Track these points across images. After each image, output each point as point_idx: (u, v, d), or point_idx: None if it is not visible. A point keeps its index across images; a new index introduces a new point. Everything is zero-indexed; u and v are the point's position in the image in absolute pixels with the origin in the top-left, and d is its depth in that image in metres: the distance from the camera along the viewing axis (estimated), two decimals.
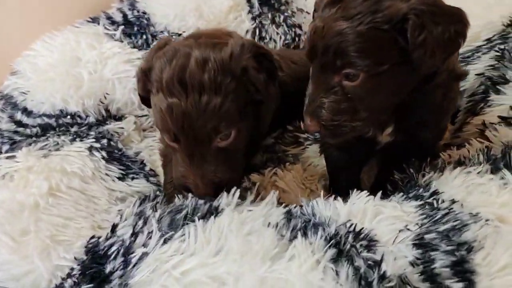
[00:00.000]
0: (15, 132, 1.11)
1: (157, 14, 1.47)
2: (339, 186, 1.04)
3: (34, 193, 0.88)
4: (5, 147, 1.05)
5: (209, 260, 0.66)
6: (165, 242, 0.72)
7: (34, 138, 1.10)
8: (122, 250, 0.72)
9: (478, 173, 0.80)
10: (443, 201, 0.77)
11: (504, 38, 1.14)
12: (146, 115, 1.33)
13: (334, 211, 0.77)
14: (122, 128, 1.23)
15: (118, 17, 1.45)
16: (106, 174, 1.04)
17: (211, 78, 0.77)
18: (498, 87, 1.07)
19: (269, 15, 1.54)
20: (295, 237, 0.69)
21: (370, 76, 0.75)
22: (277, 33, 1.54)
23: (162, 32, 1.44)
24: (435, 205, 0.77)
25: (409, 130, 0.90)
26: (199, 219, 0.75)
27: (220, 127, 0.80)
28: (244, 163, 0.95)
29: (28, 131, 1.12)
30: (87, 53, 1.28)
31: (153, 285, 0.66)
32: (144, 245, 0.72)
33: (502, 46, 1.12)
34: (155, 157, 1.25)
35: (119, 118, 1.28)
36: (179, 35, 1.45)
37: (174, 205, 0.80)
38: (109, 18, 1.44)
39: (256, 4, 1.54)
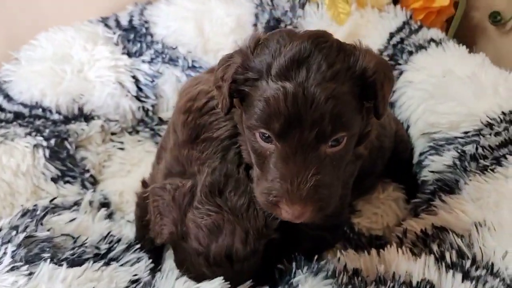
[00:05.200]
0: None
1: (158, 23, 1.51)
2: None
3: None
4: None
5: None
6: (11, 270, 0.77)
7: (1, 124, 1.23)
8: None
9: None
10: None
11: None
12: (117, 120, 1.41)
13: None
14: (83, 129, 1.31)
15: (124, 21, 1.52)
16: (42, 173, 1.14)
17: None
18: None
19: None
20: None
21: (349, 137, 0.70)
22: None
23: (157, 43, 1.49)
24: None
25: None
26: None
27: None
28: None
29: (2, 115, 1.26)
30: (79, 52, 1.39)
31: None
32: None
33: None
34: (108, 163, 1.33)
35: (91, 118, 1.38)
36: (174, 49, 1.49)
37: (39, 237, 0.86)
38: (116, 20, 1.52)
39: (261, 29, 1.50)
